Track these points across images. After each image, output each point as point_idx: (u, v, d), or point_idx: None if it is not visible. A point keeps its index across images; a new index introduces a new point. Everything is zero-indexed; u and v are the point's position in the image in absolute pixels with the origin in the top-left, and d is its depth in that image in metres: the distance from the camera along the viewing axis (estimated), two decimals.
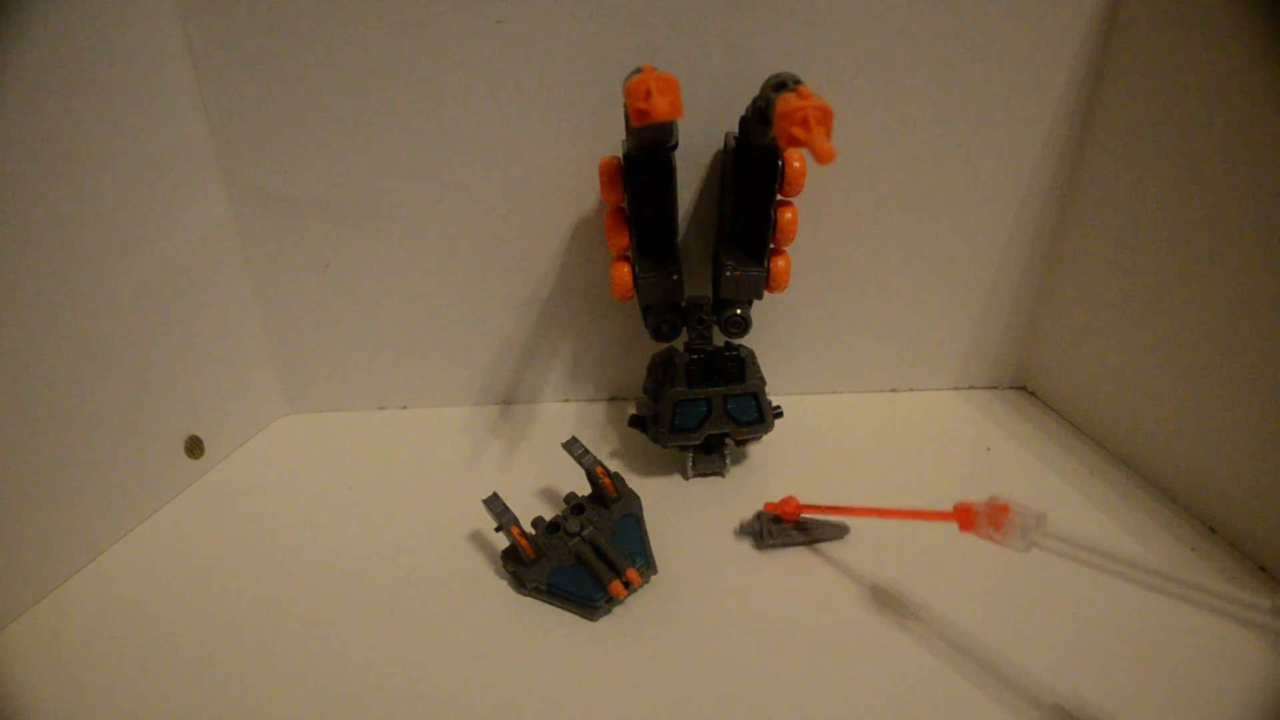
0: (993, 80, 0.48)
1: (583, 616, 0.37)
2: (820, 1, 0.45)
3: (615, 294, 0.44)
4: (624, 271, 0.44)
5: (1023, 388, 0.59)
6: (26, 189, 0.38)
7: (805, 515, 0.41)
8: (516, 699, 0.32)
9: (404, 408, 0.59)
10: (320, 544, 0.43)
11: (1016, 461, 0.49)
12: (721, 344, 0.47)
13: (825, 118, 0.27)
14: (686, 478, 0.48)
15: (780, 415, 0.48)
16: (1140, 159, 0.45)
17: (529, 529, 0.40)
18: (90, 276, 0.41)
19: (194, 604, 0.39)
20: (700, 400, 0.46)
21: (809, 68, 0.46)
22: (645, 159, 0.41)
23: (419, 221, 0.51)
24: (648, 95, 0.28)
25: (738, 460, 0.50)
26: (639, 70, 0.32)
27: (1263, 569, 0.39)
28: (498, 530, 0.39)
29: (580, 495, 0.43)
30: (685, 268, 0.45)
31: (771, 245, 0.44)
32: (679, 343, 0.48)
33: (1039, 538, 0.29)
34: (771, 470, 0.49)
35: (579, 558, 0.39)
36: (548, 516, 0.41)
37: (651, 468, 0.49)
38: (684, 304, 0.47)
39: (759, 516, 0.42)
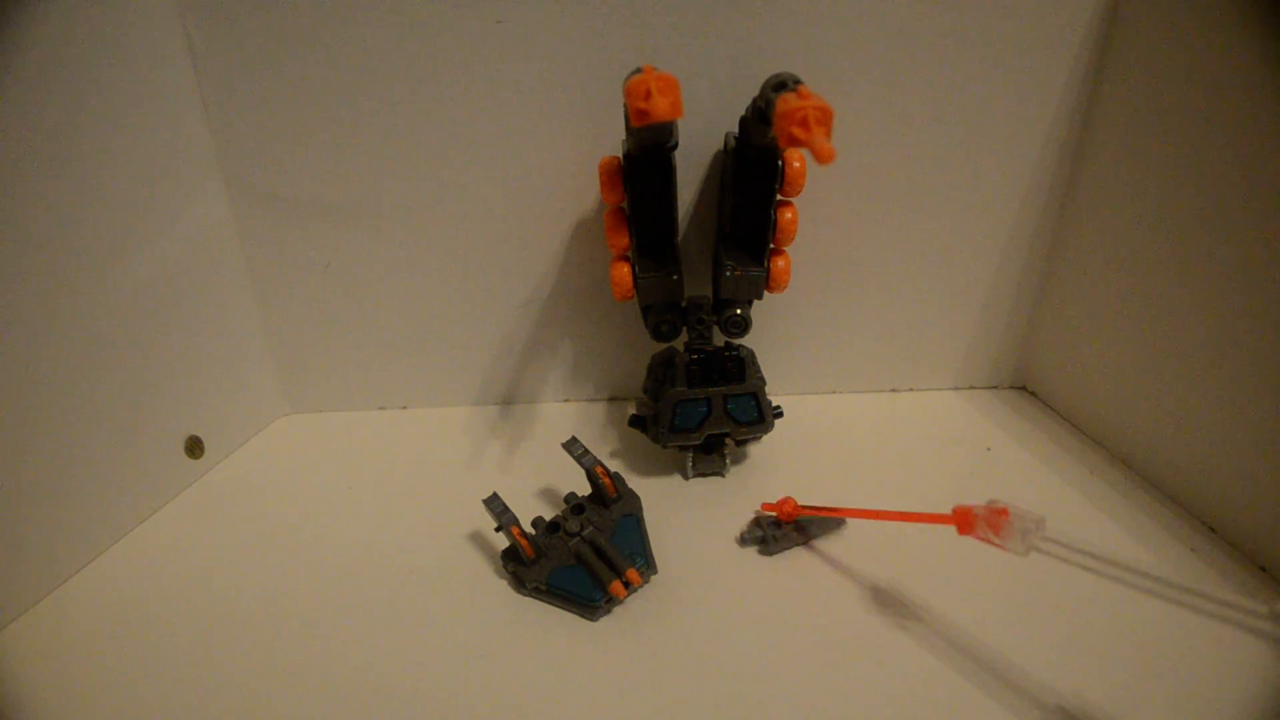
0: (993, 80, 0.48)
1: (583, 616, 0.37)
2: (820, 1, 0.45)
3: (615, 294, 0.44)
4: (624, 271, 0.44)
5: (1023, 388, 0.59)
6: (26, 189, 0.38)
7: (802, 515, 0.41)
8: (516, 699, 0.32)
9: (404, 408, 0.59)
10: (320, 544, 0.43)
11: (1016, 461, 0.49)
12: (721, 344, 0.47)
13: (825, 118, 0.27)
14: (686, 478, 0.48)
15: (780, 415, 0.48)
16: (1140, 159, 0.45)
17: (529, 529, 0.40)
18: (90, 276, 0.41)
19: (194, 604, 0.39)
20: (700, 400, 0.46)
21: (809, 68, 0.46)
22: (645, 159, 0.41)
23: (419, 221, 0.51)
24: (648, 95, 0.28)
25: (738, 460, 0.50)
26: (639, 70, 0.32)
27: (1263, 569, 0.39)
28: (498, 530, 0.39)
29: (580, 495, 0.43)
30: (685, 268, 0.45)
31: (771, 245, 0.44)
32: (679, 343, 0.48)
33: (1038, 541, 0.29)
34: (771, 470, 0.49)
35: (579, 558, 0.39)
36: (548, 516, 0.41)
37: (651, 468, 0.49)
38: (684, 304, 0.47)
39: (758, 522, 0.42)
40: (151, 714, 0.32)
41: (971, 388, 0.59)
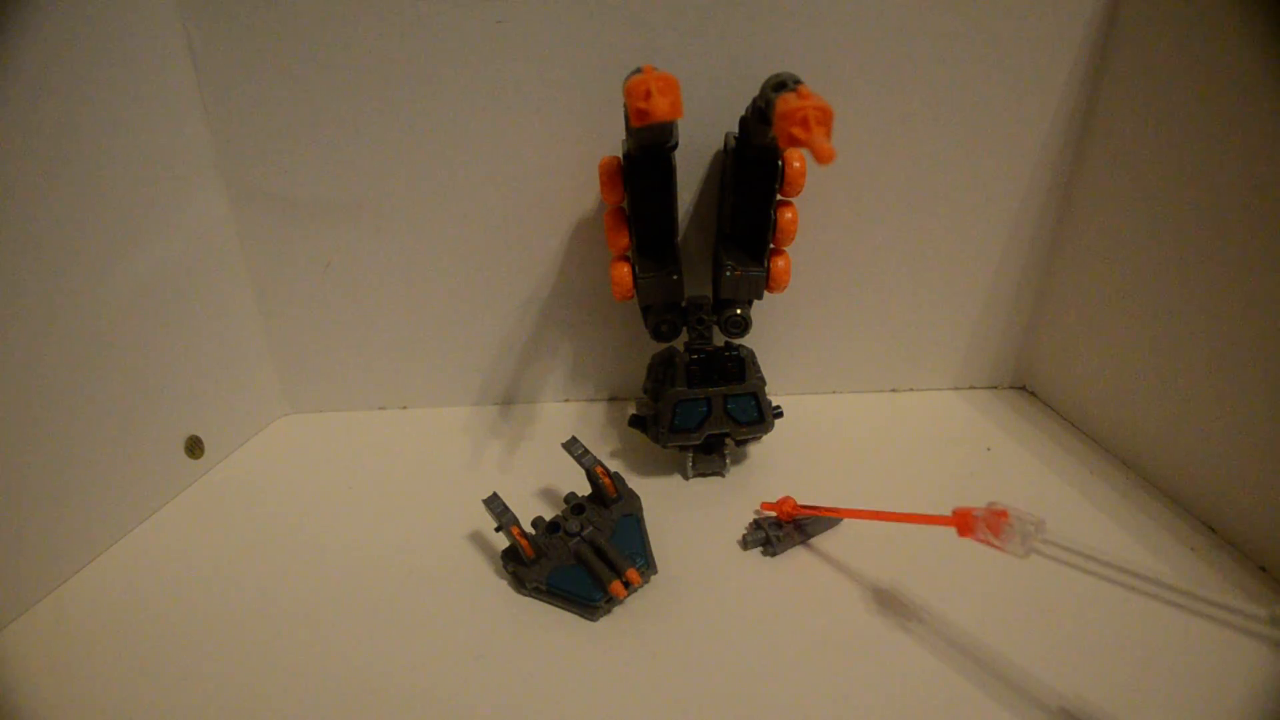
0: (993, 80, 0.48)
1: (583, 616, 0.37)
2: (820, 1, 0.45)
3: (615, 294, 0.44)
4: (624, 271, 0.44)
5: (1023, 388, 0.59)
6: (26, 189, 0.38)
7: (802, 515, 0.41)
8: (516, 699, 0.32)
9: (404, 408, 0.59)
10: (320, 544, 0.43)
11: (1016, 462, 0.49)
12: (721, 344, 0.47)
13: (825, 118, 0.27)
14: (686, 478, 0.48)
15: (780, 415, 0.48)
16: (1140, 159, 0.45)
17: (529, 529, 0.40)
18: (90, 276, 0.41)
19: (194, 604, 0.39)
20: (700, 400, 0.46)
21: (809, 68, 0.46)
22: (645, 159, 0.41)
23: (419, 221, 0.51)
24: (648, 95, 0.28)
25: (738, 460, 0.50)
26: (639, 70, 0.32)
27: (1263, 569, 0.39)
28: (498, 530, 0.39)
29: (580, 495, 0.43)
30: (685, 268, 0.45)
31: (771, 245, 0.44)
32: (679, 343, 0.48)
33: (1038, 543, 0.29)
34: (771, 470, 0.49)
35: (579, 558, 0.39)
36: (548, 516, 0.41)
37: (651, 468, 0.49)
38: (684, 304, 0.47)
39: (758, 523, 0.42)
40: (151, 714, 0.32)
41: (971, 388, 0.59)
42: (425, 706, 0.32)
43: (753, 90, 0.37)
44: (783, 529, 0.41)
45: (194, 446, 0.49)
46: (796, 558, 0.41)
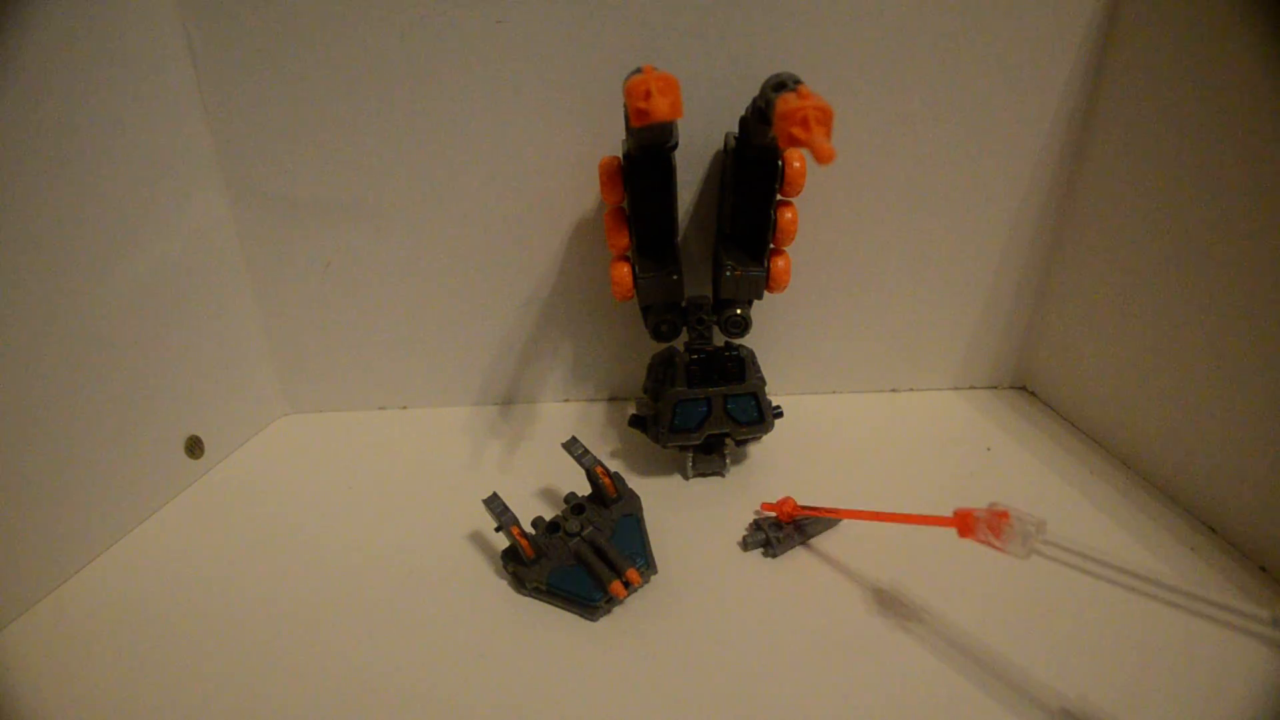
0: (993, 80, 0.48)
1: (583, 616, 0.37)
2: (820, 1, 0.45)
3: (615, 294, 0.44)
4: (624, 271, 0.44)
5: (1023, 388, 0.59)
6: (26, 188, 0.38)
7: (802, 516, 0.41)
8: (516, 699, 0.32)
9: (404, 408, 0.59)
10: (320, 544, 0.43)
11: (1016, 462, 0.49)
12: (721, 344, 0.47)
13: (825, 118, 0.27)
14: (686, 478, 0.48)
15: (780, 415, 0.48)
16: (1140, 159, 0.45)
17: (529, 529, 0.40)
18: (90, 276, 0.41)
19: (194, 604, 0.39)
20: (700, 400, 0.45)
21: (809, 68, 0.46)
22: (645, 159, 0.41)
23: (419, 221, 0.51)
24: (648, 95, 0.28)
25: (738, 460, 0.50)
26: (639, 70, 0.31)
27: (1263, 569, 0.39)
28: (498, 530, 0.39)
29: (580, 495, 0.43)
30: (685, 268, 0.45)
31: (771, 245, 0.44)
32: (679, 343, 0.48)
33: (1039, 544, 0.29)
34: (771, 470, 0.49)
35: (579, 558, 0.39)
36: (548, 516, 0.41)
37: (651, 468, 0.49)
38: (684, 304, 0.47)
39: (758, 525, 0.42)
40: (151, 714, 0.32)
41: (971, 388, 0.59)
42: (425, 706, 0.32)
43: (753, 90, 0.37)
44: (783, 530, 0.41)
45: (194, 446, 0.49)
46: (796, 558, 0.41)
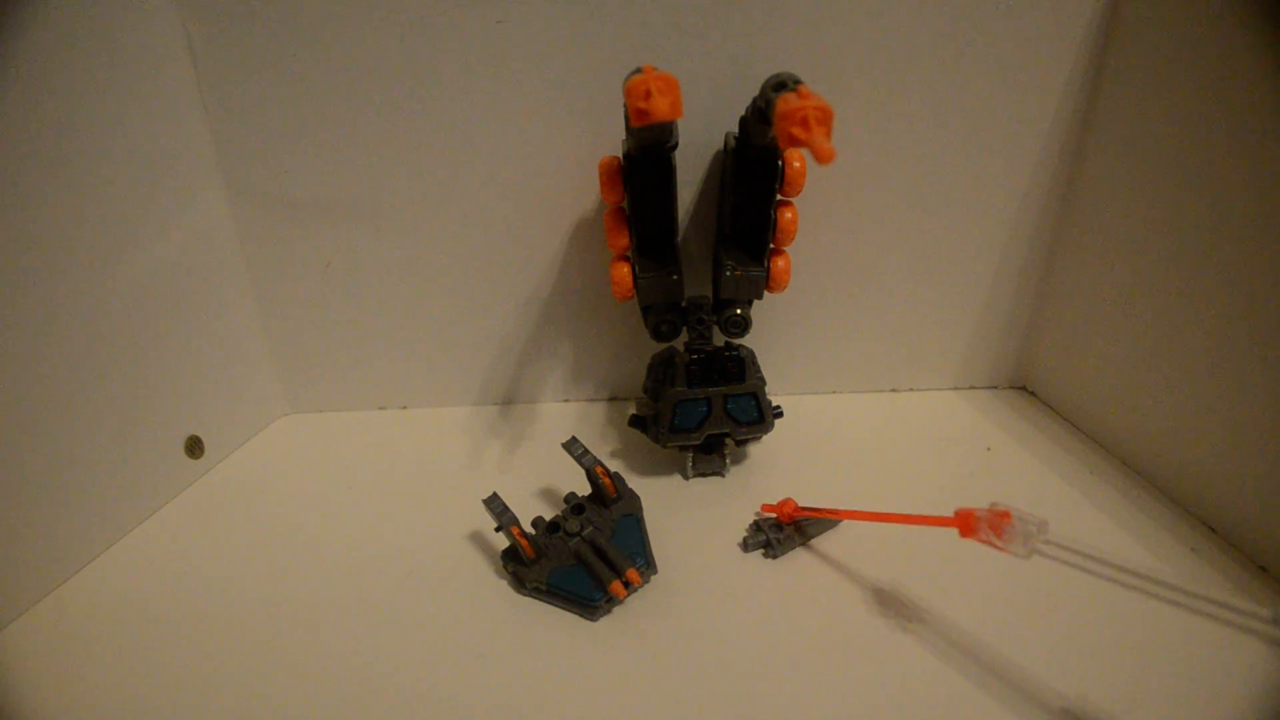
0: (993, 80, 0.48)
1: (583, 616, 0.37)
2: (820, 2, 0.45)
3: (615, 294, 0.44)
4: (624, 271, 0.44)
5: (1023, 388, 0.59)
6: (26, 188, 0.38)
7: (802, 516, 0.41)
8: (516, 699, 0.32)
9: (404, 408, 0.59)
10: (320, 544, 0.43)
11: (1016, 462, 0.49)
12: (721, 344, 0.47)
13: (825, 118, 0.27)
14: (686, 478, 0.48)
15: (780, 415, 0.48)
16: (1140, 158, 0.45)
17: (529, 529, 0.40)
18: (90, 276, 0.41)
19: (194, 604, 0.39)
20: (700, 400, 0.45)
21: (809, 68, 0.46)
22: (645, 159, 0.41)
23: (419, 221, 0.51)
24: (648, 95, 0.28)
25: (738, 460, 0.50)
26: (639, 70, 0.31)
27: (1263, 569, 0.38)
28: (498, 530, 0.39)
29: (580, 495, 0.43)
30: (685, 268, 0.45)
31: (771, 245, 0.44)
32: (679, 343, 0.48)
33: (1040, 544, 0.29)
34: (771, 470, 0.49)
35: (579, 558, 0.39)
36: (548, 516, 0.41)
37: (651, 468, 0.49)
38: (684, 304, 0.47)
39: (759, 526, 0.42)
40: (151, 714, 0.32)
41: (971, 388, 0.59)
42: (425, 706, 0.32)
43: (753, 90, 0.37)
44: (783, 531, 0.41)
45: (194, 446, 0.49)
46: (796, 558, 0.41)
